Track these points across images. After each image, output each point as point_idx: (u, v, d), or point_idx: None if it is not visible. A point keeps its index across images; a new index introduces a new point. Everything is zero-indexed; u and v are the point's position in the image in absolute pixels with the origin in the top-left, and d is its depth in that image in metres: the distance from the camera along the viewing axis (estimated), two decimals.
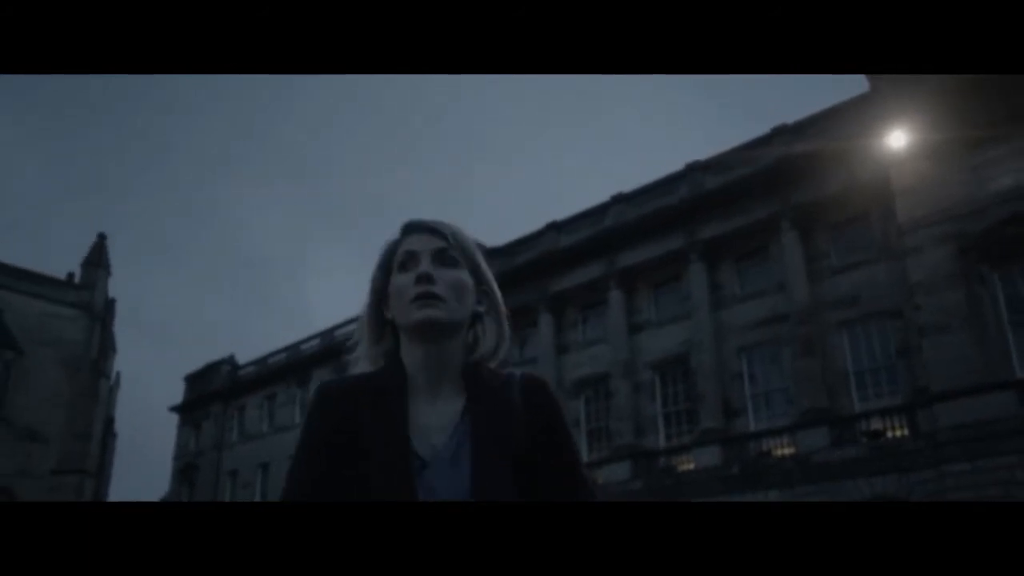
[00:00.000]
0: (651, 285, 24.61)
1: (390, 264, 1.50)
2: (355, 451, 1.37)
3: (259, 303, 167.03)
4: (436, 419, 1.42)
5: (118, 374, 41.80)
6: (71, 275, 39.94)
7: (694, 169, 24.15)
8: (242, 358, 42.07)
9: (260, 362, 40.29)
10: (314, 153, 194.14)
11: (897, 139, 18.42)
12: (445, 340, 1.45)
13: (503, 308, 1.56)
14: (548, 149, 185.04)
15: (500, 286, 1.57)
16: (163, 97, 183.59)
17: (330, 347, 34.41)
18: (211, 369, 42.38)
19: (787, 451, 19.41)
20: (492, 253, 28.46)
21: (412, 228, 1.52)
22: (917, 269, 18.16)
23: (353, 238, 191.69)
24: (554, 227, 27.47)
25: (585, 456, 24.31)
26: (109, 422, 40.37)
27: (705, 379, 22.03)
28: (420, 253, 1.46)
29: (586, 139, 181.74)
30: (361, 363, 1.53)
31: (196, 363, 42.94)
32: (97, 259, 40.32)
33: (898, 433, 17.95)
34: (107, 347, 39.54)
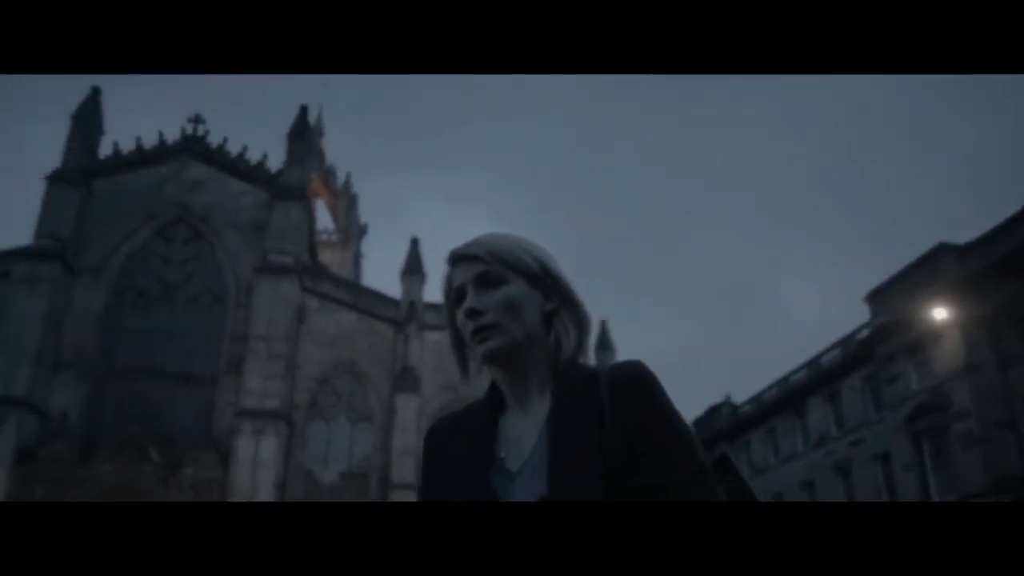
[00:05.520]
0: None
1: (450, 298, 1.52)
2: (449, 481, 1.44)
3: (745, 334, 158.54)
4: (525, 428, 1.42)
5: None
6: None
7: None
8: (737, 397, 44.26)
9: (755, 399, 41.79)
10: (760, 153, 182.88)
11: None
12: (519, 357, 1.44)
13: (575, 295, 1.51)
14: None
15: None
16: (605, 150, 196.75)
17: (819, 375, 34.41)
18: (713, 412, 45.16)
19: None
20: (960, 251, 26.04)
21: (454, 259, 1.51)
22: None
23: (822, 239, 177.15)
24: None
25: None
26: None
27: None
28: (465, 285, 1.46)
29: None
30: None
31: (698, 409, 46.32)
32: None
33: None
34: None
